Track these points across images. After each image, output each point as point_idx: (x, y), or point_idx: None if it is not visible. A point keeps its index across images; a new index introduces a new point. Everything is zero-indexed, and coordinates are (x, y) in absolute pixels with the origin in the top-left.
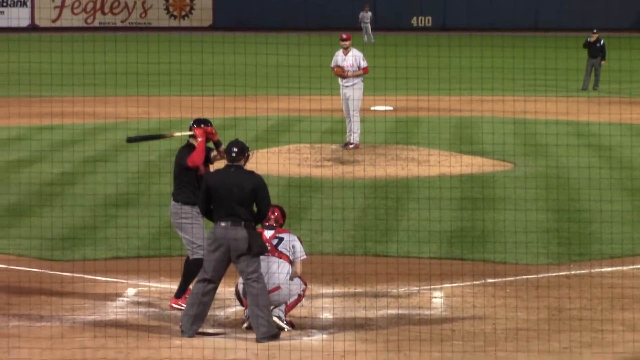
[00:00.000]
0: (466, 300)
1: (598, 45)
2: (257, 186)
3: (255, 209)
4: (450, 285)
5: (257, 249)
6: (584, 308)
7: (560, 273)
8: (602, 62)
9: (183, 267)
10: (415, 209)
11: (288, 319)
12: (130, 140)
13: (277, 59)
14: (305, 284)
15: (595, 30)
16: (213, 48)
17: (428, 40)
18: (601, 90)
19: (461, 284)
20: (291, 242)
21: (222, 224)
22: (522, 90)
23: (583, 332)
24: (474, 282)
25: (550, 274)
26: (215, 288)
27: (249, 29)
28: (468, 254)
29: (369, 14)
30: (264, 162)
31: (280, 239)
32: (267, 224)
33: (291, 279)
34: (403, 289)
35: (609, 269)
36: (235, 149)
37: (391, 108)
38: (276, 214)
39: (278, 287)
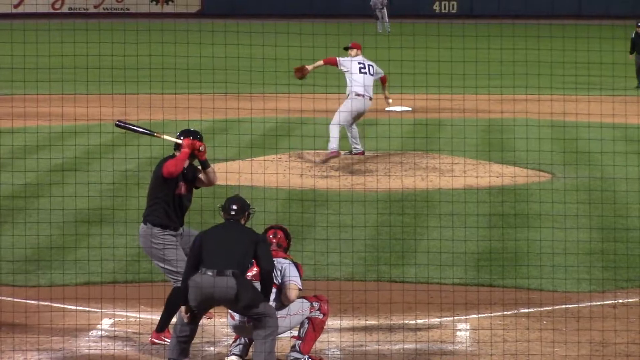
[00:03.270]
0: (495, 334)
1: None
2: (257, 241)
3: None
4: (477, 316)
5: (246, 301)
6: (632, 343)
7: (605, 302)
8: None
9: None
10: (437, 227)
11: (314, 356)
12: (119, 124)
13: (276, 51)
14: (322, 302)
15: (639, 23)
16: (201, 38)
17: (452, 29)
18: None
19: (490, 315)
20: (281, 265)
21: (209, 272)
22: (562, 89)
23: None
24: (505, 313)
25: (593, 303)
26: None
27: (243, 16)
28: (498, 279)
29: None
30: (260, 172)
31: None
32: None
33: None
34: (422, 321)
35: None
36: (234, 207)
37: (409, 109)
38: (279, 235)
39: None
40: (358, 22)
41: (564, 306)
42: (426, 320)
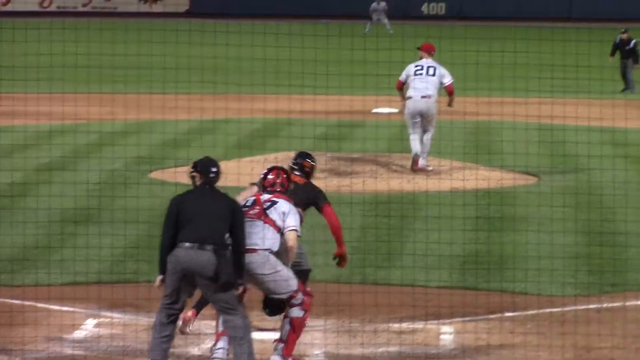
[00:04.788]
0: (480, 337)
1: (628, 47)
2: (234, 209)
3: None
4: (462, 319)
5: (225, 278)
6: (617, 347)
7: (590, 306)
8: (636, 66)
9: None
10: (423, 229)
11: (295, 358)
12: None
13: (265, 52)
14: (306, 296)
15: (624, 30)
16: (190, 38)
17: (441, 30)
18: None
19: (475, 318)
20: (283, 209)
21: (187, 244)
22: (550, 92)
23: None
24: (490, 316)
25: (578, 307)
26: (180, 311)
27: (231, 16)
28: (483, 282)
29: (383, 4)
30: (247, 173)
31: (274, 203)
32: (269, 188)
33: (283, 257)
34: (407, 324)
35: None
36: (214, 169)
37: (396, 110)
38: (282, 176)
39: (255, 250)
40: (347, 22)
41: (548, 310)
42: (411, 323)
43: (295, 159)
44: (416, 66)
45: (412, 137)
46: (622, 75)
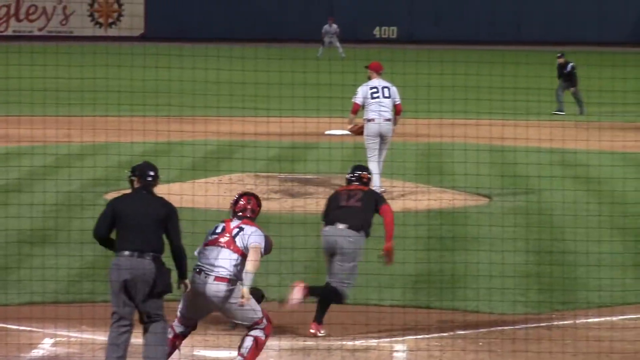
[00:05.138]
0: (432, 355)
1: (565, 71)
2: (169, 214)
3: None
4: (415, 337)
5: (161, 287)
6: None
7: (541, 324)
8: (572, 89)
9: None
10: (376, 249)
11: None
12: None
13: (218, 75)
14: (269, 321)
15: (560, 54)
16: (145, 61)
17: (392, 53)
18: (590, 114)
19: (427, 336)
20: (250, 234)
21: (126, 253)
22: (501, 113)
23: None
24: (442, 334)
25: (529, 325)
26: (131, 326)
27: (186, 40)
28: (435, 301)
29: (335, 26)
30: (201, 194)
31: (241, 229)
32: (240, 213)
33: (243, 280)
34: (360, 342)
35: (597, 320)
36: (152, 173)
37: (349, 132)
38: (252, 202)
39: (226, 279)
40: (300, 46)
41: (500, 328)
42: (364, 341)
43: (353, 172)
44: (372, 88)
45: (372, 159)
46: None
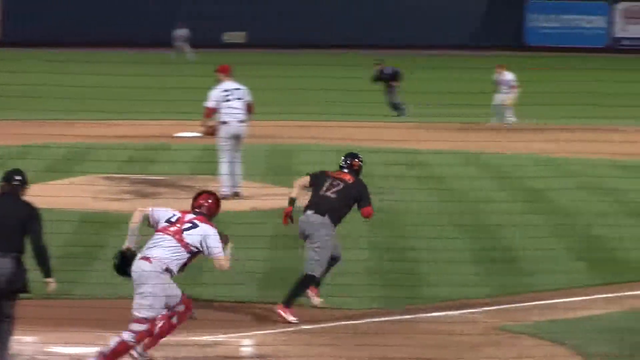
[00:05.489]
0: (279, 349)
1: (386, 75)
2: (31, 215)
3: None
4: (262, 332)
5: (19, 286)
6: (411, 357)
7: (385, 318)
8: (394, 84)
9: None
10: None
11: (150, 353)
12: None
13: (72, 79)
14: (187, 309)
15: (378, 62)
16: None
17: (242, 57)
18: (432, 115)
19: (273, 331)
20: (204, 236)
21: None
22: (350, 114)
23: None
24: (288, 329)
25: (373, 320)
26: (7, 323)
27: (43, 45)
28: (282, 297)
29: (185, 30)
30: (55, 195)
31: (194, 226)
32: (197, 209)
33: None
34: (208, 337)
35: (438, 314)
36: (18, 177)
37: (199, 134)
38: (210, 201)
39: (148, 259)
40: (152, 51)
41: (345, 323)
42: (212, 337)
43: (345, 159)
44: (224, 91)
45: (224, 160)
46: (390, 103)
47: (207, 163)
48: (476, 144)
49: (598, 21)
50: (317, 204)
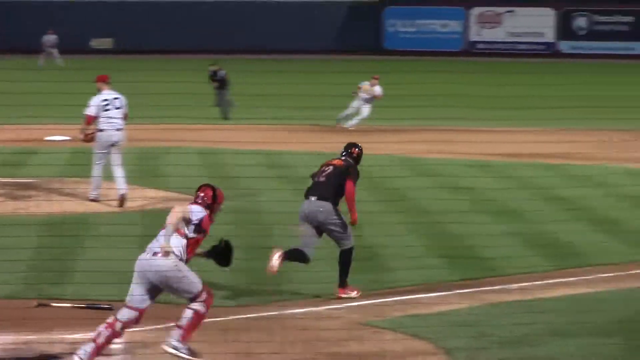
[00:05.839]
0: (147, 345)
1: (217, 78)
2: None
3: None
4: (131, 330)
5: None
6: (274, 352)
7: (249, 315)
8: (221, 95)
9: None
10: (95, 247)
11: (187, 345)
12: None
13: None
14: (209, 296)
15: (211, 62)
16: None
17: (109, 63)
18: (295, 118)
19: (143, 329)
20: (190, 212)
21: None
22: (215, 118)
23: None
24: (158, 326)
25: (238, 317)
26: None
27: None
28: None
29: (53, 37)
30: None
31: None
32: (197, 200)
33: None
34: (80, 335)
35: (304, 310)
36: None
37: (68, 138)
38: (205, 192)
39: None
40: (20, 57)
41: (212, 320)
42: (84, 334)
43: (345, 148)
44: (103, 100)
45: (98, 164)
46: (218, 105)
47: (77, 166)
48: (335, 145)
49: (454, 26)
50: (313, 190)
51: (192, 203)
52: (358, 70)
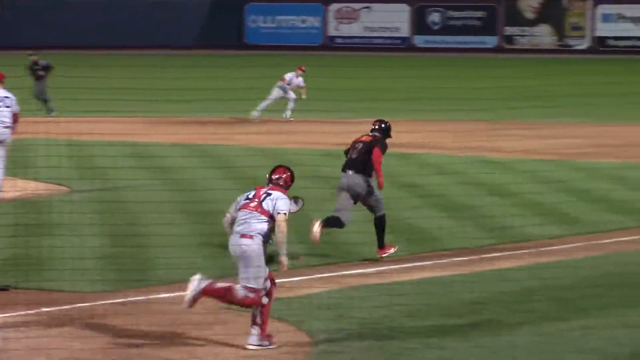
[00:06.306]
0: (19, 331)
1: (37, 68)
2: None
3: None
4: (4, 315)
5: None
6: (141, 336)
7: (117, 300)
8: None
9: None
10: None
11: (267, 335)
12: None
13: None
14: (273, 284)
15: (31, 53)
16: None
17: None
18: (150, 110)
19: (14, 314)
20: (276, 199)
21: None
22: (89, 111)
23: None
24: (28, 312)
25: (106, 302)
26: None
27: None
28: (22, 282)
29: None
30: None
31: (268, 195)
32: (274, 181)
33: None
34: None
35: (170, 295)
36: None
37: None
38: (286, 174)
39: (250, 236)
40: None
41: (81, 305)
42: None
43: (374, 124)
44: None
45: None
46: (38, 97)
47: None
48: (202, 137)
49: (313, 21)
50: (349, 165)
51: (273, 188)
52: (220, 65)
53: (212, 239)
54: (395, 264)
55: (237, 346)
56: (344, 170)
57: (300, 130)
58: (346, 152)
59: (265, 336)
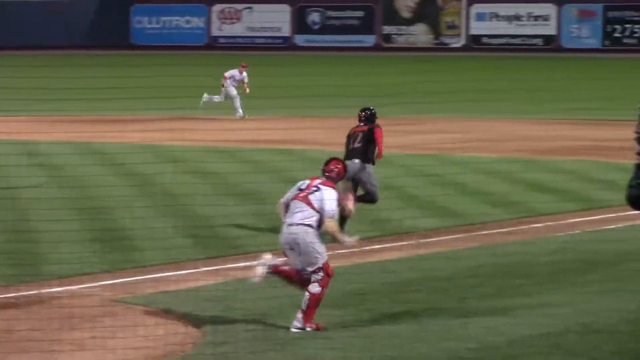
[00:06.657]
0: None
1: None
2: None
3: None
4: None
5: None
6: (34, 329)
7: (9, 295)
8: None
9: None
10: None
11: (312, 324)
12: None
13: None
14: (328, 274)
15: None
16: None
17: None
18: (38, 110)
19: None
20: (324, 196)
21: None
22: None
23: (33, 353)
24: None
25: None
26: None
27: None
28: None
29: None
30: None
31: (318, 189)
32: (327, 173)
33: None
34: None
35: (59, 289)
36: None
37: None
38: (339, 166)
39: (300, 225)
40: None
41: None
42: None
43: (363, 112)
44: None
45: None
46: None
47: None
48: (92, 135)
49: (197, 22)
50: (353, 154)
51: (325, 182)
52: (107, 64)
53: (101, 234)
54: (281, 257)
55: (125, 337)
56: (349, 159)
57: (182, 128)
58: (347, 145)
59: (308, 322)
